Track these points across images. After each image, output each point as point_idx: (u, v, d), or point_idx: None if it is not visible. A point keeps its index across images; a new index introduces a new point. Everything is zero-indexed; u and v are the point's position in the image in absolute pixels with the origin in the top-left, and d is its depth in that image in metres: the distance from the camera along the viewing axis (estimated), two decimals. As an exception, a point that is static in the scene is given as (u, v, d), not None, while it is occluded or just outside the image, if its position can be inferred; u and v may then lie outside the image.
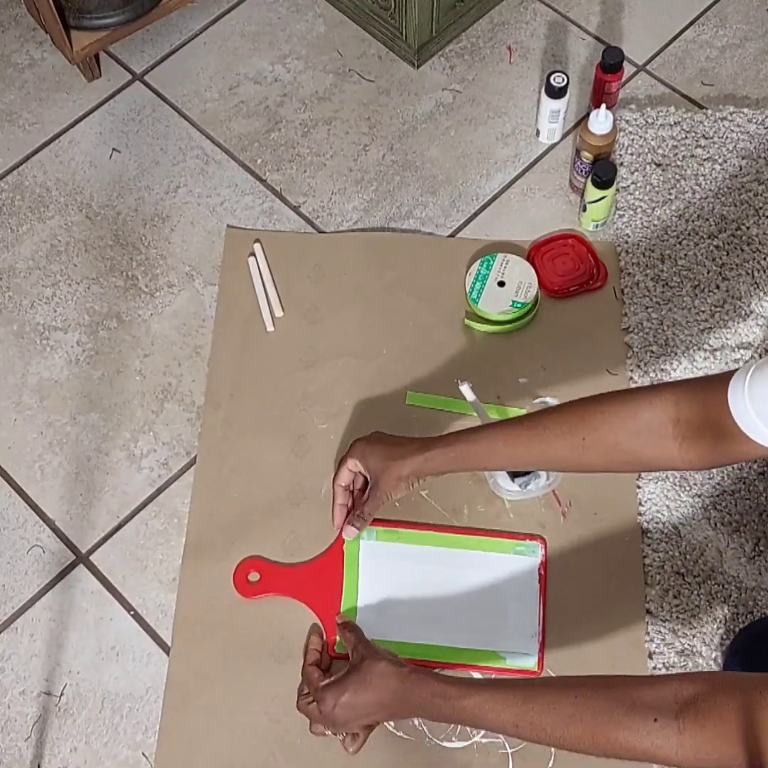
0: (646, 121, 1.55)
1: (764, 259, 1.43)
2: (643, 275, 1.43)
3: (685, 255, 1.44)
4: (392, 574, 1.25)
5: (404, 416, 1.35)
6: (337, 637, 1.21)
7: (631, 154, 1.52)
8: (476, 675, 1.20)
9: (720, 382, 0.92)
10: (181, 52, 1.68)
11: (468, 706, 0.98)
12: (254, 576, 1.25)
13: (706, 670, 1.19)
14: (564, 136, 1.57)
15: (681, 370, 1.36)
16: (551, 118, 1.52)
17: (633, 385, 1.35)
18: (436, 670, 1.19)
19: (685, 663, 1.19)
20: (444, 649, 1.21)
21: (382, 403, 1.36)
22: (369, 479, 1.21)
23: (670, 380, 1.26)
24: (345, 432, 1.34)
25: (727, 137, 1.53)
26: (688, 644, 1.20)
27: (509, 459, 1.11)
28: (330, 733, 1.12)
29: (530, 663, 1.20)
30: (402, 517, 1.28)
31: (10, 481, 1.34)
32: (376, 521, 1.25)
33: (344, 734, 1.12)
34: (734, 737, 0.81)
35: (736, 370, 0.91)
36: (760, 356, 1.36)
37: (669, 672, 1.19)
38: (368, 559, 1.26)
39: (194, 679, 1.21)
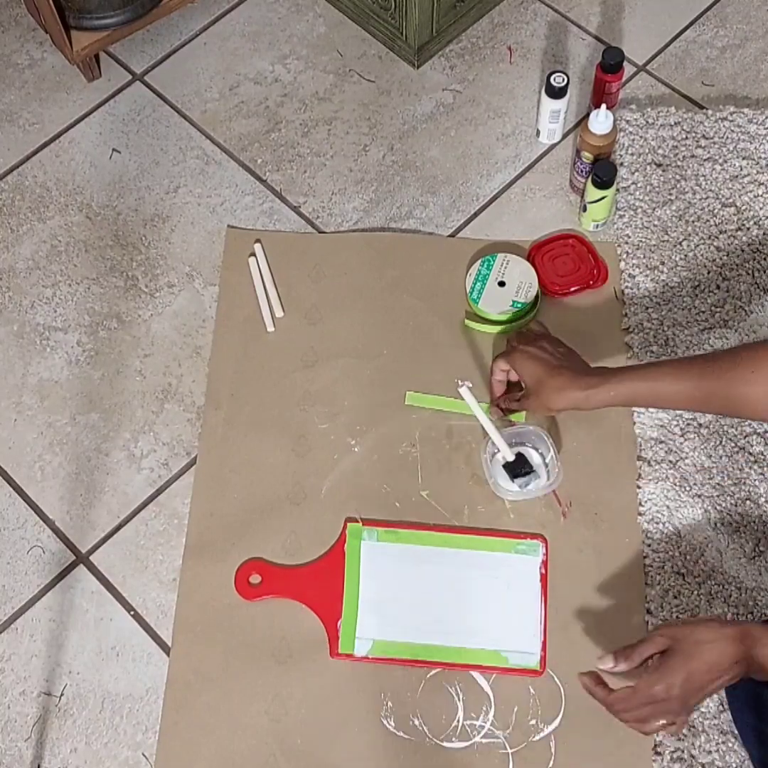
0: (647, 122, 1.55)
1: (764, 259, 1.44)
2: (643, 275, 1.43)
3: (686, 255, 1.44)
4: (393, 575, 1.25)
5: (404, 416, 1.35)
6: (339, 633, 1.21)
7: (632, 154, 1.52)
8: (478, 675, 1.20)
9: None
10: (182, 52, 1.68)
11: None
12: (255, 578, 1.25)
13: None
14: (564, 137, 1.57)
15: (681, 370, 1.36)
16: (551, 118, 1.52)
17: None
18: (436, 670, 1.20)
19: (685, 663, 1.19)
20: (446, 649, 1.21)
21: (382, 403, 1.36)
22: (524, 386, 1.25)
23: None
24: (345, 432, 1.34)
25: (727, 137, 1.53)
26: (689, 644, 1.21)
27: (672, 397, 1.12)
28: (665, 721, 1.03)
29: (532, 662, 1.20)
30: (403, 517, 1.28)
31: (10, 481, 1.34)
32: (377, 522, 1.26)
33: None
34: None
35: None
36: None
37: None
38: (369, 559, 1.25)
39: (194, 679, 1.21)
